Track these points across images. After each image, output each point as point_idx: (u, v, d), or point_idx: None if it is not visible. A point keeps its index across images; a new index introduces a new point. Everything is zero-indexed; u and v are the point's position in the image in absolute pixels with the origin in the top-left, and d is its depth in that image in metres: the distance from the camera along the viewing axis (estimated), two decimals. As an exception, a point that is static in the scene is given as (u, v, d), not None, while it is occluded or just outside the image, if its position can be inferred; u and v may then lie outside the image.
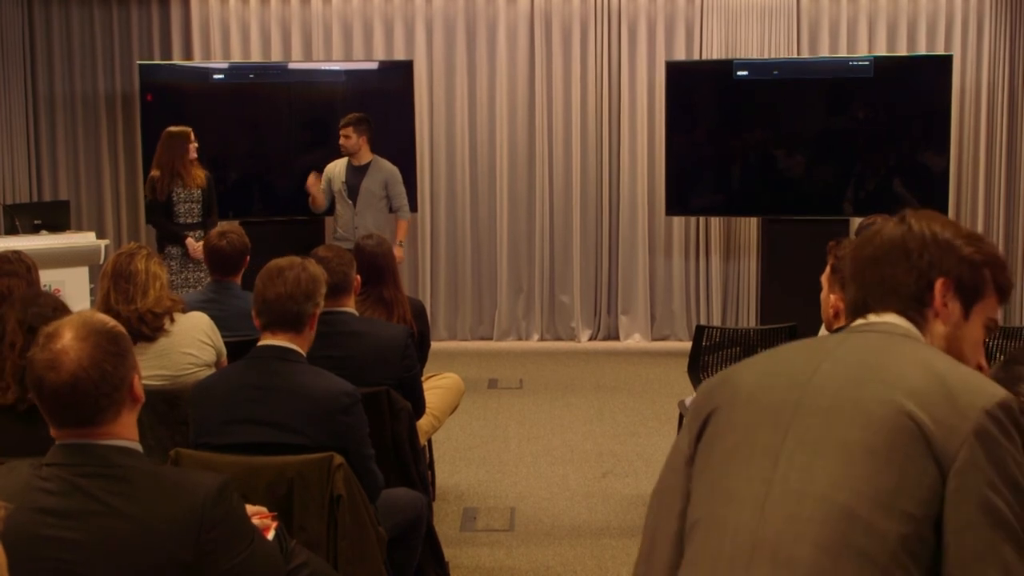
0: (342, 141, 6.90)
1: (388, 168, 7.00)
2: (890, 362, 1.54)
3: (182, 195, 6.59)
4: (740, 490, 1.54)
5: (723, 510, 1.54)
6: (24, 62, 8.27)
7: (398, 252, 6.60)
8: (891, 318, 1.63)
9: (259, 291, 2.92)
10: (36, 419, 2.49)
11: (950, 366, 1.52)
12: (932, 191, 7.68)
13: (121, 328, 1.99)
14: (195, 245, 6.49)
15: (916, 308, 1.63)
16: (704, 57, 8.28)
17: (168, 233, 6.63)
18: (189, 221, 6.61)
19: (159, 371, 3.54)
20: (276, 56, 8.32)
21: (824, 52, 8.25)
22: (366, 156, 6.96)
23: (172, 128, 6.65)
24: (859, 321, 1.67)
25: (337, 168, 7.03)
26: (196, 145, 6.65)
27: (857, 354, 1.58)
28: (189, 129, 6.64)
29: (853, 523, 1.42)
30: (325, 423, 2.82)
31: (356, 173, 6.95)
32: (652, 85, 8.31)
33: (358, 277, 3.80)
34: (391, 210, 7.05)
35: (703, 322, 7.82)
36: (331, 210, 7.21)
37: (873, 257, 1.67)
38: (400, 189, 7.01)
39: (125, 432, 1.93)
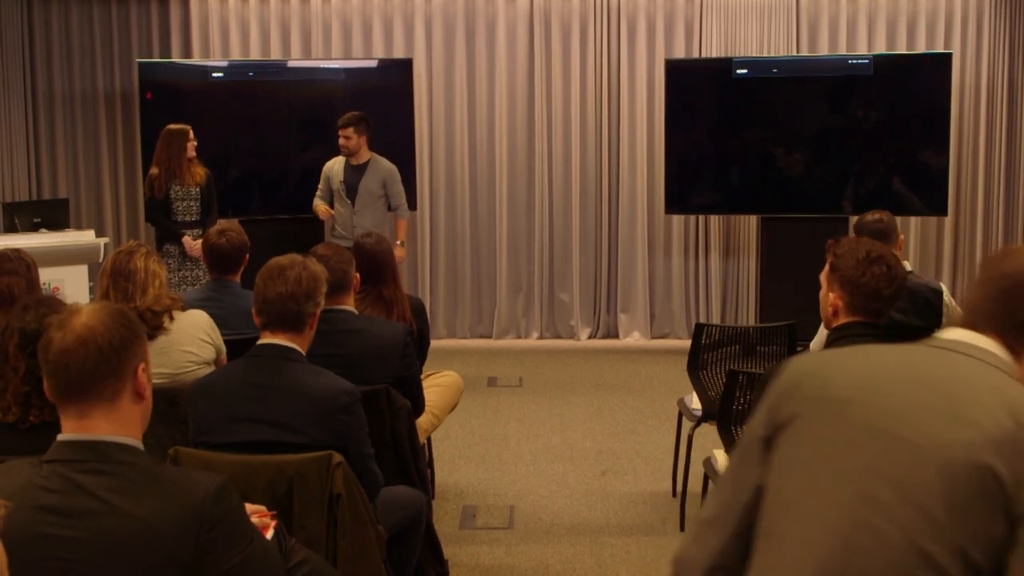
0: (342, 141, 6.87)
1: (387, 167, 6.98)
2: (980, 400, 1.54)
3: (180, 193, 6.58)
4: (816, 511, 1.55)
5: (795, 528, 1.56)
6: (23, 60, 8.27)
7: (399, 251, 6.60)
8: (988, 344, 1.63)
9: (260, 290, 2.91)
10: (36, 436, 2.49)
11: None
12: (932, 189, 7.69)
13: (136, 318, 2.03)
14: (192, 243, 6.48)
15: (1018, 336, 1.63)
16: (703, 55, 8.27)
17: (166, 231, 6.62)
18: (187, 219, 6.60)
19: (159, 369, 3.53)
20: (275, 54, 8.32)
21: (824, 50, 8.25)
22: (365, 155, 6.94)
23: (171, 126, 6.65)
24: (958, 335, 1.66)
25: (335, 167, 7.00)
26: (195, 143, 6.64)
27: (950, 385, 1.57)
28: (188, 127, 6.63)
29: (924, 567, 1.45)
30: (325, 422, 2.81)
31: (354, 172, 6.92)
32: (651, 83, 8.31)
33: (357, 275, 3.80)
34: (390, 209, 7.04)
35: (702, 320, 7.82)
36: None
37: (1004, 274, 1.66)
38: (399, 188, 6.98)
39: (127, 428, 1.93)
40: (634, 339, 8.46)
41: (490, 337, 8.53)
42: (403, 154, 7.86)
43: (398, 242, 6.81)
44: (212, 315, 3.87)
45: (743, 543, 1.63)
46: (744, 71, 7.82)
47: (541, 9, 8.35)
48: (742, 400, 3.78)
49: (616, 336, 8.51)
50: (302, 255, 3.06)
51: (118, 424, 1.92)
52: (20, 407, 2.57)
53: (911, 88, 7.71)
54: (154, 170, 6.63)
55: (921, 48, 8.22)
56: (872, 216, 4.45)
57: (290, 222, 7.69)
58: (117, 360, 1.91)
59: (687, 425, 4.66)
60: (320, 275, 2.98)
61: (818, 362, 1.70)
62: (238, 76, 7.96)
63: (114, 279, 3.63)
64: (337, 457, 2.72)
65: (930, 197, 7.71)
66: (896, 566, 1.46)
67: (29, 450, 2.24)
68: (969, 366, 1.60)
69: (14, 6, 8.17)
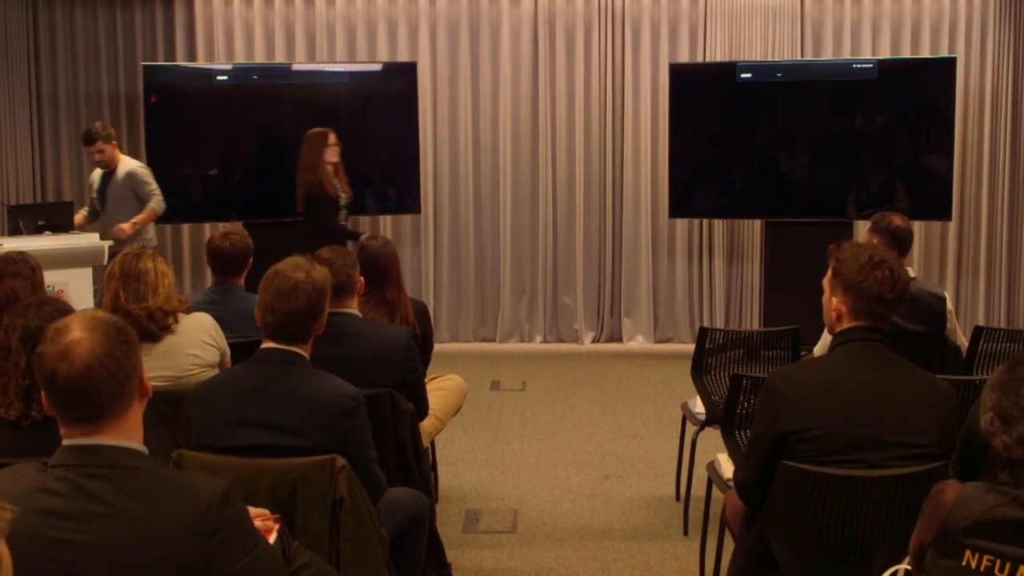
0: (96, 157, 6.92)
1: (130, 168, 6.99)
2: None
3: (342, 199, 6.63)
4: None
5: None
6: (28, 63, 8.29)
7: (127, 227, 6.67)
8: None
9: (268, 305, 2.88)
10: (39, 433, 2.50)
11: None
12: (935, 194, 7.68)
13: (124, 322, 2.00)
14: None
15: None
16: (708, 59, 8.28)
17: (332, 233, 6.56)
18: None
19: (162, 372, 3.54)
20: (280, 57, 8.33)
21: (828, 54, 8.25)
22: (116, 162, 6.99)
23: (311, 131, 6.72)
24: None
25: (94, 177, 7.09)
26: (337, 147, 6.64)
27: None
28: (326, 130, 6.66)
29: None
30: (328, 426, 2.81)
31: (105, 179, 7.01)
32: (656, 87, 8.31)
33: (361, 278, 3.81)
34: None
35: (706, 324, 7.83)
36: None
37: None
38: (147, 189, 6.95)
39: (132, 433, 1.94)
40: (638, 343, 8.45)
41: (493, 341, 8.53)
42: (407, 157, 7.87)
43: (132, 221, 6.80)
44: (215, 318, 3.87)
45: None
46: (748, 75, 7.82)
47: (545, 12, 8.36)
48: (746, 404, 3.77)
49: (620, 340, 8.51)
50: (306, 258, 3.06)
51: (124, 429, 1.92)
52: (22, 402, 2.59)
53: (915, 92, 7.71)
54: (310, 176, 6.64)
55: (925, 52, 8.21)
56: (901, 222, 4.31)
57: (294, 225, 7.69)
58: (126, 378, 1.91)
59: (690, 429, 4.66)
60: (327, 287, 2.98)
61: None
62: (242, 79, 7.97)
63: (124, 280, 3.63)
64: (340, 461, 2.72)
65: (934, 202, 7.70)
66: None
67: (32, 449, 2.25)
68: None
69: (19, 9, 8.19)
